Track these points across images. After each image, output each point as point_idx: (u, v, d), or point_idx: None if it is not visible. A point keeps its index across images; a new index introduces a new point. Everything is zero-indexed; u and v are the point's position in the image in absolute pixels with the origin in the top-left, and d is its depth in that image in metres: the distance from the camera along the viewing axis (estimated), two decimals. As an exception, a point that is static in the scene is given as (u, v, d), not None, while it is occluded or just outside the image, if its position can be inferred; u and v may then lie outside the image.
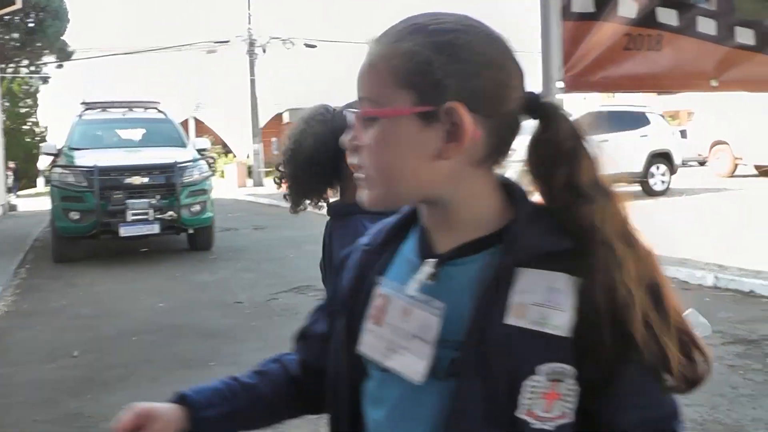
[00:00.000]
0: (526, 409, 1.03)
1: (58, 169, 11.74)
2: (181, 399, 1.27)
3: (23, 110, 47.12)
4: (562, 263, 1.05)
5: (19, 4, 25.61)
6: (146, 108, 14.16)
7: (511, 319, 1.04)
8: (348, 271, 1.27)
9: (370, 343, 1.16)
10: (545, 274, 1.05)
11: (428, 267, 1.12)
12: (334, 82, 51.62)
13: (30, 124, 48.03)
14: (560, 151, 1.09)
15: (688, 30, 2.82)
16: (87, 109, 13.81)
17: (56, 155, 12.85)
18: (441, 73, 1.04)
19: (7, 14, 27.06)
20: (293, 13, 43.62)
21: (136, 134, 13.42)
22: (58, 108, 46.01)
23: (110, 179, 11.13)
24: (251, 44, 30.15)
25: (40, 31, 31.77)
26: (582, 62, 2.60)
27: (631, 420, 1.08)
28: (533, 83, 1.15)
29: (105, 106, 14.22)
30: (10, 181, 33.33)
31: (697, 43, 2.86)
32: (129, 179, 11.20)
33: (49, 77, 35.88)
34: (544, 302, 1.04)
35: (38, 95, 46.79)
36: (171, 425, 1.23)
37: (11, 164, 35.49)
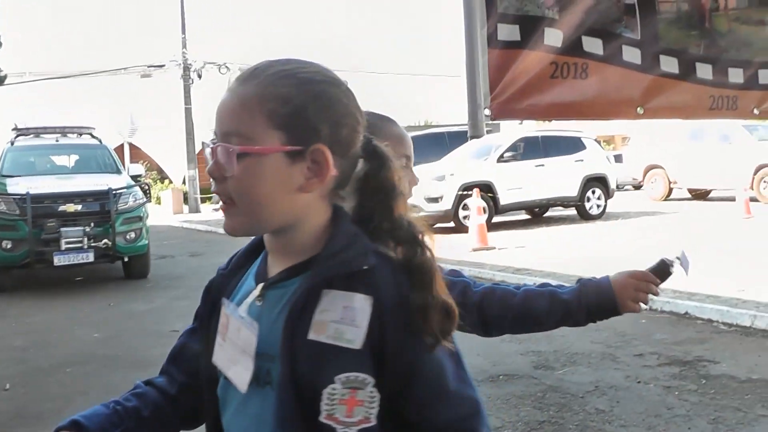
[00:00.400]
0: (326, 413, 1.17)
1: (-11, 197, 11.45)
2: (76, 425, 1.34)
3: (-48, 136, 45.89)
4: (363, 282, 1.20)
5: (-52, 28, 25.08)
6: (80, 134, 13.94)
7: (312, 335, 1.19)
8: (208, 293, 1.40)
9: (218, 355, 1.31)
10: (344, 294, 1.19)
11: (256, 290, 1.28)
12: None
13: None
14: (382, 186, 1.27)
15: (614, 59, 2.90)
16: (19, 135, 13.54)
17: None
18: (314, 120, 1.21)
19: (-65, 38, 26.47)
20: (228, 40, 43.53)
21: (70, 161, 13.21)
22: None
23: (43, 207, 10.89)
24: (186, 69, 29.91)
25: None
26: (508, 90, 2.64)
27: (436, 422, 1.23)
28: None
29: (38, 132, 13.96)
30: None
31: (623, 71, 2.94)
32: (62, 206, 10.97)
33: (-22, 102, 35.01)
34: (340, 319, 1.18)
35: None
36: None
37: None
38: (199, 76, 30.03)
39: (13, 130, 13.99)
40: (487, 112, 2.56)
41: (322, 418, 1.18)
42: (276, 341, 1.21)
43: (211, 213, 26.68)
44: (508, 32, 2.62)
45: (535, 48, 2.67)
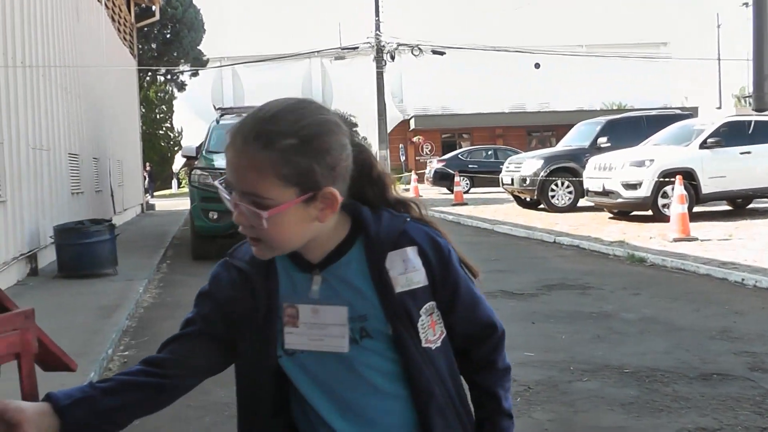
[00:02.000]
0: (424, 339, 1.58)
1: (198, 171, 12.14)
2: (48, 398, 1.47)
3: (159, 116, 49.03)
4: (405, 238, 1.57)
5: (157, 16, 26.78)
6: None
7: (398, 289, 1.55)
8: (230, 291, 1.62)
9: (293, 340, 1.57)
10: (398, 252, 1.56)
11: (318, 277, 1.57)
12: (461, 88, 51.78)
13: (165, 129, 49.94)
14: (372, 173, 1.63)
15: None
16: (223, 114, 14.25)
17: (195, 157, 13.31)
18: (321, 172, 1.46)
19: (146, 26, 28.31)
20: (422, 20, 43.83)
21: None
22: (191, 113, 47.58)
23: (246, 180, 11.38)
24: (379, 51, 30.39)
25: (177, 42, 33.07)
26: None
27: (470, 326, 1.67)
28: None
29: (240, 111, 14.63)
30: (146, 182, 34.77)
31: None
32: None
33: (185, 84, 37.25)
34: (404, 270, 1.56)
35: (173, 101, 48.57)
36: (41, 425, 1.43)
37: (147, 167, 37.01)
38: (392, 58, 30.45)
39: (217, 109, 14.72)
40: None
41: (423, 344, 1.57)
42: (358, 305, 1.55)
43: (402, 193, 27.00)
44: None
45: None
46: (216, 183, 1.53)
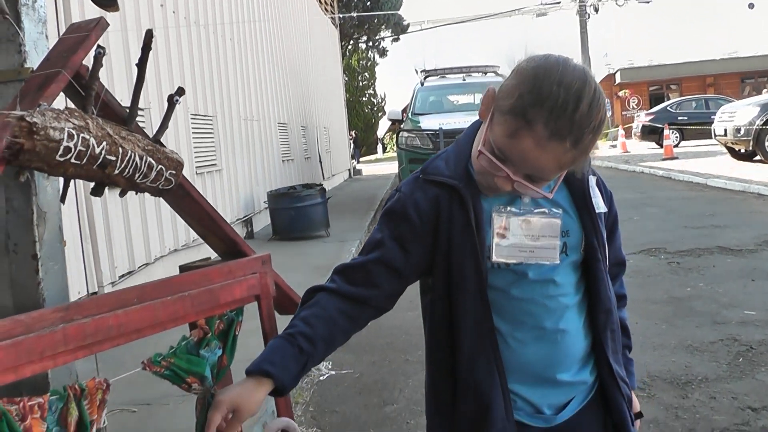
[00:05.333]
0: (605, 255, 1.71)
1: (405, 133, 12.34)
2: (269, 375, 1.49)
3: (362, 83, 50.23)
4: (590, 171, 1.70)
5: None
6: (485, 72, 14.39)
7: (596, 210, 1.69)
8: (433, 207, 1.63)
9: (503, 253, 1.60)
10: (592, 178, 1.71)
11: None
12: (668, 38, 49.11)
13: (368, 95, 51.11)
14: None
15: None
16: (427, 76, 14.36)
17: (400, 121, 13.55)
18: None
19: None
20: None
21: (475, 99, 13.71)
22: (393, 78, 48.29)
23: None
24: (582, 3, 29.47)
25: (377, 8, 33.63)
26: None
27: (616, 258, 1.85)
28: None
29: (444, 72, 14.68)
30: (351, 149, 35.83)
31: None
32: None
33: (387, 50, 37.91)
34: (595, 195, 1.69)
35: (375, 68, 49.55)
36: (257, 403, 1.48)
37: (352, 133, 38.09)
38: (596, 10, 29.46)
39: (421, 72, 14.85)
40: None
41: (606, 261, 1.71)
42: (563, 221, 1.64)
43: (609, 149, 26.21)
44: None
45: None
46: (484, 151, 1.53)
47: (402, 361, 5.31)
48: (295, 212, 10.64)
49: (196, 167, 9.33)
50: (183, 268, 1.83)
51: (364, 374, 5.12)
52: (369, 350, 5.61)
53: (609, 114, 44.30)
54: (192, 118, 9.25)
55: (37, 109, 1.32)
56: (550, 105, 1.41)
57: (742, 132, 17.33)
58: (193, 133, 9.23)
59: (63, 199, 1.63)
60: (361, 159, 43.18)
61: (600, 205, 1.71)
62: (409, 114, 12.98)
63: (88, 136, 1.40)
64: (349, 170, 27.48)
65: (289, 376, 1.50)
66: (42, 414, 1.24)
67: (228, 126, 10.94)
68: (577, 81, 1.44)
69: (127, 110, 1.65)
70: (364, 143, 49.10)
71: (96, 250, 6.22)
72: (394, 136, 13.23)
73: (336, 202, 13.38)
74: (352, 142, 37.28)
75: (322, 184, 11.55)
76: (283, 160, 14.79)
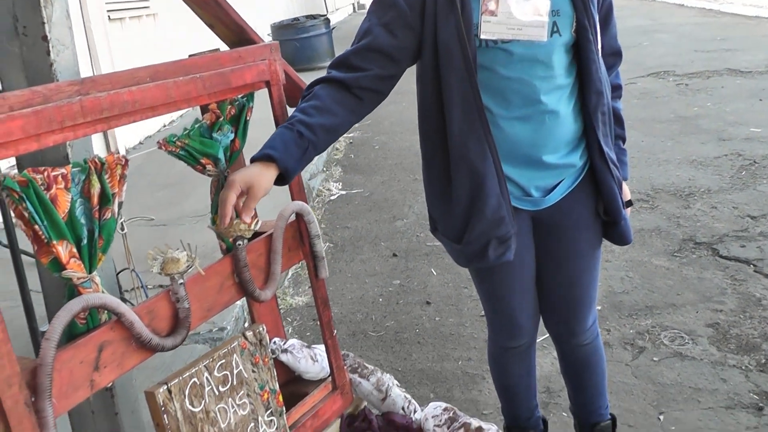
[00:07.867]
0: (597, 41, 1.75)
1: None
2: (273, 159, 1.55)
3: None
4: None
5: None
6: None
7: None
8: None
9: (491, 29, 1.62)
10: None
11: None
12: None
13: None
14: None
15: None
16: None
17: None
18: None
19: None
20: None
21: None
22: None
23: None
24: None
25: None
26: None
27: (611, 48, 1.88)
28: None
29: None
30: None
31: None
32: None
33: None
34: None
35: None
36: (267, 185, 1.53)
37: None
38: None
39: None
40: None
41: (597, 44, 1.73)
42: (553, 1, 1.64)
43: None
44: None
45: None
46: None
47: (411, 180, 5.40)
48: (300, 42, 10.50)
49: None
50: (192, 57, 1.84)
51: (374, 193, 5.23)
52: (378, 171, 5.70)
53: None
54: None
55: None
56: None
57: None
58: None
59: None
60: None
61: None
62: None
63: None
64: (353, 5, 26.85)
65: (292, 159, 1.56)
66: (66, 185, 1.28)
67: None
68: None
69: None
70: (368, -23, 47.60)
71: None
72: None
73: (341, 35, 13.14)
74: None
75: (326, 15, 11.32)
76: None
